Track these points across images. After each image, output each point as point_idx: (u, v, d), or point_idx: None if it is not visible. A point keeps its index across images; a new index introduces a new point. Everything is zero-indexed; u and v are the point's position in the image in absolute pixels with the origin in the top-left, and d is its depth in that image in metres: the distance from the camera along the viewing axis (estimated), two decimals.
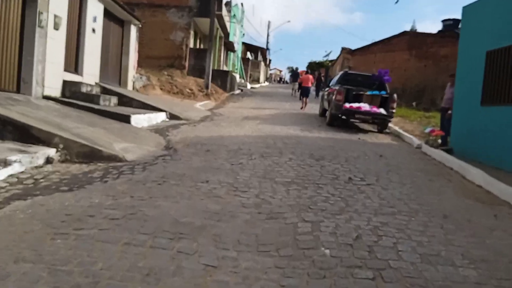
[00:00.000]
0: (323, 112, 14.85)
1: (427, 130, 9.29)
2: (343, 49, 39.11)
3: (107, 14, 12.64)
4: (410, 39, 27.26)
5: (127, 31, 14.37)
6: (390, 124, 12.12)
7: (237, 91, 26.62)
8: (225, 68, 30.59)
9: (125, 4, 14.30)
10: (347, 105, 11.45)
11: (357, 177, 6.15)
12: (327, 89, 14.89)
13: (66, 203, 4.08)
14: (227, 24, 27.22)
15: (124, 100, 11.79)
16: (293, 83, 28.41)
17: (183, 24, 23.07)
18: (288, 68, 69.39)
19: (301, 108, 17.63)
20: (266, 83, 51.09)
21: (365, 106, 11.32)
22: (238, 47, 38.48)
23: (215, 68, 25.97)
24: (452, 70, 24.53)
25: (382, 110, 11.32)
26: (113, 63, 13.65)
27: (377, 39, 30.48)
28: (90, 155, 6.27)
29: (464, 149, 8.46)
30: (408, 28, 32.83)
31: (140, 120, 9.75)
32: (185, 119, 11.72)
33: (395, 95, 11.78)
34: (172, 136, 8.92)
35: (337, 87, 12.15)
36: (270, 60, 65.21)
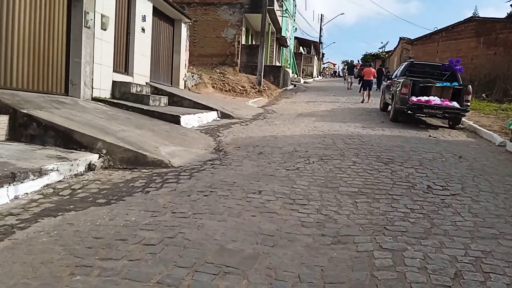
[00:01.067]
0: (384, 106, 13.66)
1: None
2: (401, 39, 36.90)
3: (157, 12, 12.34)
4: (477, 26, 24.91)
5: (178, 29, 14.04)
6: (463, 119, 10.77)
7: (290, 87, 25.79)
8: (277, 64, 29.85)
9: (176, 3, 14.01)
10: (414, 98, 10.28)
11: (437, 185, 5.17)
12: (388, 81, 13.69)
13: (98, 221, 3.56)
14: (279, 19, 26.42)
15: (175, 100, 11.43)
16: (349, 76, 27.04)
17: (234, 21, 22.63)
18: (343, 61, 67.36)
19: (362, 101, 17.04)
20: (320, 78, 49.72)
21: (435, 99, 10.08)
22: (291, 42, 37.56)
23: (267, 64, 25.32)
24: None
25: (455, 104, 10.03)
26: (164, 62, 13.38)
27: (438, 27, 28.28)
28: (135, 160, 5.82)
29: None
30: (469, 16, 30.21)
31: (190, 120, 9.27)
32: (236, 117, 11.14)
33: (469, 87, 10.41)
34: (223, 136, 8.34)
35: (401, 79, 10.99)
36: (323, 54, 63.54)
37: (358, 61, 55.94)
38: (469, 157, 6.92)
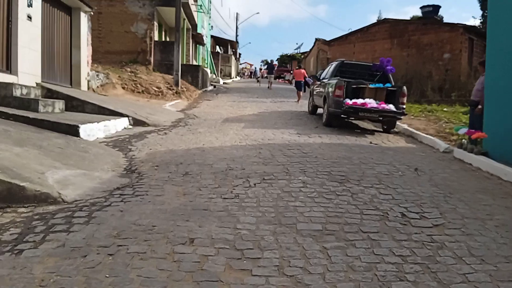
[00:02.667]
0: (313, 109, 12.89)
1: (461, 131, 7.49)
2: (317, 40, 37.42)
3: None
4: (391, 27, 25.74)
5: (76, 19, 11.88)
6: (397, 122, 10.28)
7: (210, 88, 24.37)
8: (194, 63, 28.22)
9: None
10: (349, 101, 9.51)
11: (411, 211, 4.18)
12: (317, 83, 12.95)
13: None
14: (195, 14, 24.83)
15: (75, 104, 9.42)
16: (269, 76, 26.65)
17: (145, 15, 20.56)
18: (263, 61, 67.41)
19: (297, 101, 17.51)
20: (238, 78, 48.87)
21: (371, 102, 9.40)
22: (207, 40, 36.06)
23: (184, 63, 23.61)
24: (437, 58, 23.32)
25: (391, 106, 9.44)
26: (60, 58, 11.18)
27: (351, 30, 28.81)
28: (7, 195, 4.07)
29: (503, 153, 6.67)
30: (374, 20, 31.37)
31: (94, 130, 7.47)
32: (152, 124, 9.48)
33: (404, 88, 9.92)
34: (136, 151, 6.71)
35: (334, 80, 10.19)
36: (240, 54, 62.93)
37: (271, 60, 56.22)
38: (423, 168, 6.15)
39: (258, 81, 33.82)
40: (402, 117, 9.78)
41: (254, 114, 12.53)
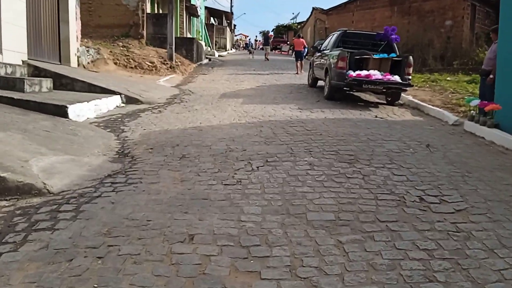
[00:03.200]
0: (313, 82, 12.41)
1: (473, 103, 7.09)
2: (314, 9, 36.40)
3: None
4: None
5: None
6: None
7: (205, 61, 23.69)
8: (189, 36, 27.39)
9: None
10: (353, 73, 9.04)
11: (430, 195, 3.84)
12: (316, 54, 12.42)
13: None
14: None
15: (64, 82, 8.93)
16: (265, 47, 26.10)
17: None
18: (261, 32, 66.15)
19: (296, 73, 17.09)
20: (233, 50, 47.81)
21: (375, 74, 8.93)
22: (201, 12, 35.00)
23: (178, 36, 22.85)
24: (438, 25, 22.61)
25: (397, 78, 8.98)
26: (48, 34, 10.58)
27: None
28: None
29: None
30: None
31: (83, 110, 7.03)
32: (146, 102, 9.02)
33: (410, 58, 9.42)
34: (129, 132, 6.31)
35: (336, 51, 9.68)
36: (235, 26, 61.52)
37: (267, 31, 55.07)
38: (435, 144, 5.78)
39: (250, 52, 32.93)
40: (408, 88, 9.35)
41: (252, 88, 12.05)
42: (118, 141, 5.76)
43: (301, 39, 20.66)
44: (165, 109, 8.36)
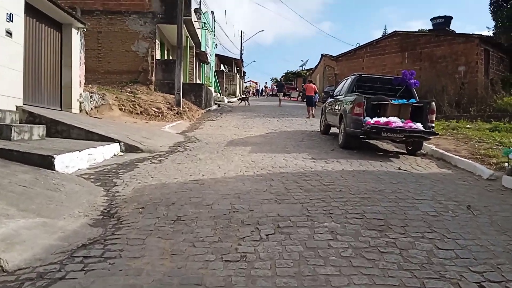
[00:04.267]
0: (326, 129, 11.73)
1: None
2: (324, 56, 36.49)
3: (33, 12, 9.22)
4: (401, 40, 24.70)
5: (67, 37, 10.92)
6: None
7: (214, 107, 23.35)
8: (198, 82, 27.30)
9: (71, 9, 10.90)
10: (370, 120, 8.33)
11: (490, 280, 2.96)
12: (329, 100, 11.81)
13: None
14: (198, 32, 24.02)
15: (59, 129, 8.33)
16: (279, 93, 26.14)
17: (146, 33, 19.74)
18: (272, 79, 67.21)
19: (307, 117, 17.49)
20: (243, 96, 47.88)
21: (396, 121, 8.21)
22: (212, 59, 35.29)
23: (187, 81, 22.66)
24: (451, 71, 22.15)
25: (419, 125, 8.23)
26: (48, 79, 10.16)
27: (359, 44, 27.80)
28: None
29: None
30: (379, 35, 30.46)
31: (74, 160, 6.32)
32: (147, 150, 8.33)
33: (433, 104, 8.71)
34: (121, 186, 5.54)
35: (352, 97, 9.02)
36: (244, 73, 62.27)
37: (280, 79, 55.49)
38: (476, 204, 4.90)
39: (243, 99, 27.81)
40: (431, 137, 8.56)
41: (261, 135, 11.37)
42: (106, 198, 4.99)
43: (312, 85, 20.60)
44: (166, 158, 7.64)
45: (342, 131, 9.16)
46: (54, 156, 5.84)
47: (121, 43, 19.64)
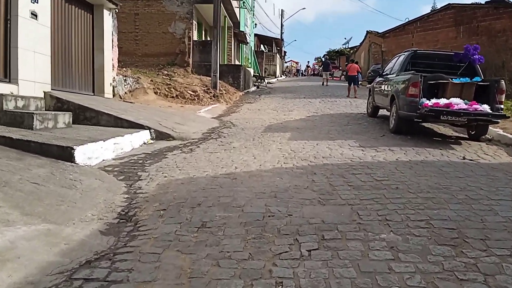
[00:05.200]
0: (374, 111, 10.72)
1: None
2: (369, 32, 34.54)
3: None
4: (456, 13, 22.64)
5: (99, 18, 10.47)
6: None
7: (253, 88, 22.60)
8: (237, 63, 26.59)
9: None
10: (428, 102, 7.29)
11: None
12: (377, 79, 10.74)
13: None
14: (236, 11, 23.18)
15: (88, 116, 7.92)
16: (324, 73, 25.42)
17: (183, 14, 19.16)
18: (316, 58, 65.69)
19: (347, 96, 17.54)
20: (283, 77, 46.80)
21: (458, 103, 7.12)
22: (251, 39, 34.39)
23: (225, 63, 22.00)
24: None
25: (485, 107, 7.11)
26: (80, 63, 9.79)
27: (410, 18, 25.91)
28: None
29: None
30: (428, 10, 28.00)
31: (98, 151, 5.83)
32: (179, 137, 7.76)
33: (502, 83, 7.51)
34: (146, 180, 4.97)
35: (406, 76, 7.97)
36: (285, 52, 60.82)
37: (326, 57, 53.65)
38: None
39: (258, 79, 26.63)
40: (499, 120, 7.40)
41: (302, 119, 10.53)
42: (126, 196, 4.42)
43: (355, 64, 19.91)
44: (198, 146, 7.02)
45: (394, 114, 8.16)
46: (74, 147, 5.34)
47: (158, 25, 19.21)
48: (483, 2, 22.23)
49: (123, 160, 6.03)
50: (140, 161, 5.96)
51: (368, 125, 9.53)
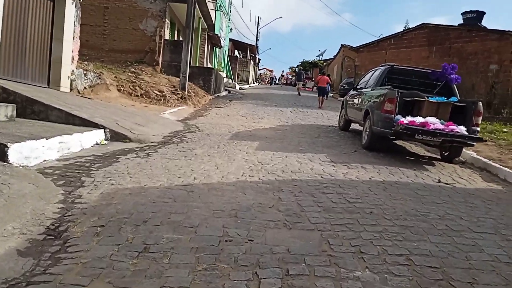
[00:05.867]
0: (346, 124, 10.39)
1: None
2: (343, 46, 34.82)
3: None
4: (429, 33, 23.03)
5: (60, 7, 9.62)
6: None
7: (224, 93, 22.03)
8: (209, 66, 25.98)
9: None
10: (403, 119, 6.97)
11: None
12: (351, 92, 10.43)
13: None
14: (212, 13, 22.61)
15: (35, 110, 7.12)
16: (297, 83, 27.16)
17: (156, 11, 18.42)
18: (291, 68, 66.00)
19: (319, 107, 17.79)
20: (256, 84, 46.49)
21: (434, 122, 6.84)
22: (225, 43, 33.87)
23: (197, 65, 21.37)
24: (482, 69, 20.50)
25: (462, 129, 6.85)
26: (35, 52, 8.93)
27: (380, 37, 26.16)
28: None
29: None
30: (400, 29, 28.42)
31: (38, 150, 5.10)
32: (136, 140, 7.10)
33: (479, 104, 7.28)
34: (89, 188, 4.31)
35: (382, 91, 7.64)
36: (259, 60, 60.66)
37: (299, 67, 53.84)
38: None
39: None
40: (475, 143, 7.17)
41: (272, 128, 10.06)
42: (61, 206, 3.75)
43: (326, 77, 20.41)
44: (156, 151, 6.39)
45: (367, 130, 7.81)
46: (8, 144, 4.61)
47: (128, 21, 18.35)
48: (456, 25, 22.69)
49: (68, 161, 5.33)
50: (88, 164, 5.28)
51: (340, 139, 9.16)
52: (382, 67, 8.97)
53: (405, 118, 7.07)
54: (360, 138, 8.49)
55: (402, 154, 7.93)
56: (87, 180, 4.60)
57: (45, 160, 5.19)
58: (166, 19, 18.80)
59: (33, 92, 7.69)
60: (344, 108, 10.48)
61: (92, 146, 6.44)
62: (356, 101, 9.31)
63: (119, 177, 4.77)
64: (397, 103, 7.18)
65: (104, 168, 5.15)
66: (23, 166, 4.70)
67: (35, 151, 5.04)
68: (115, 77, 12.78)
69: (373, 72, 9.47)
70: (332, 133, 9.93)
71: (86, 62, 12.05)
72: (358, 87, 9.81)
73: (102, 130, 7.00)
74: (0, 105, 6.20)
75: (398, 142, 8.72)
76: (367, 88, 8.94)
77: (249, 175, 5.18)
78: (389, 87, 7.61)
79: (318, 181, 5.11)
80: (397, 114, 7.16)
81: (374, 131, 7.45)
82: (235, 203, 4.02)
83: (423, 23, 23.37)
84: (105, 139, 6.92)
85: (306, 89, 37.47)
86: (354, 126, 10.25)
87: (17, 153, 4.71)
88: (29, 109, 7.09)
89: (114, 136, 7.06)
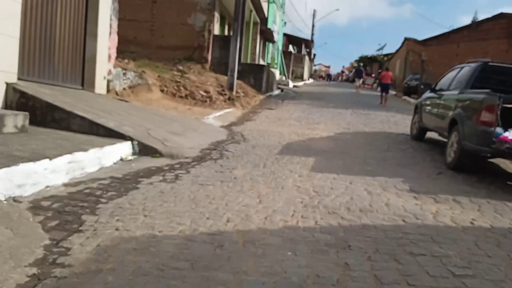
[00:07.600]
0: (420, 132, 8.71)
1: None
2: (407, 39, 32.12)
3: None
4: (509, 24, 20.24)
5: None
6: None
7: (276, 92, 20.70)
8: (262, 62, 24.73)
9: None
10: (507, 134, 5.28)
11: None
12: (427, 94, 8.70)
13: None
14: (264, 6, 21.32)
15: (56, 118, 6.19)
16: (356, 79, 26.33)
17: (204, 4, 17.49)
18: (351, 63, 64.23)
19: (380, 103, 17.61)
20: (311, 80, 44.65)
21: None
22: (279, 38, 32.45)
23: (248, 61, 20.20)
24: None
25: None
26: (65, 50, 8.10)
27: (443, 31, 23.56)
28: None
29: None
30: (468, 21, 25.43)
31: (37, 174, 4.07)
32: (168, 155, 5.96)
33: None
34: (84, 235, 3.17)
35: (478, 96, 5.95)
36: (314, 55, 58.60)
37: (359, 64, 51.45)
38: None
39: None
40: None
41: (330, 136, 8.59)
42: (33, 272, 2.62)
43: (390, 72, 19.63)
44: (188, 172, 5.19)
45: (455, 145, 6.14)
46: None
47: (176, 15, 17.57)
48: None
49: (77, 188, 4.26)
50: (98, 192, 4.18)
51: (415, 152, 7.52)
52: (472, 64, 7.17)
53: (509, 131, 5.35)
54: (441, 152, 6.84)
55: (501, 177, 6.20)
56: (88, 220, 3.47)
57: (47, 187, 4.15)
58: (215, 13, 17.82)
59: (58, 96, 6.80)
60: (419, 113, 8.76)
61: (115, 163, 5.38)
62: (435, 106, 7.61)
63: (129, 216, 3.60)
64: (498, 113, 5.46)
65: (116, 199, 4.01)
66: (9, 199, 3.66)
67: (32, 176, 4.00)
68: (158, 76, 11.87)
69: (458, 70, 7.68)
70: (404, 144, 8.28)
71: (126, 60, 11.21)
72: (437, 88, 8.07)
73: (129, 142, 5.94)
74: (8, 114, 5.28)
75: (496, 161, 6.95)
76: (451, 90, 7.22)
77: (301, 216, 3.82)
78: (488, 91, 5.87)
79: (399, 229, 3.64)
80: (497, 126, 5.45)
81: (465, 148, 5.79)
82: (280, 274, 2.69)
83: (502, 13, 20.57)
84: (132, 153, 5.86)
85: (366, 86, 35.27)
86: (430, 133, 8.55)
87: (4, 181, 3.67)
88: (49, 117, 6.19)
89: (143, 149, 5.97)
